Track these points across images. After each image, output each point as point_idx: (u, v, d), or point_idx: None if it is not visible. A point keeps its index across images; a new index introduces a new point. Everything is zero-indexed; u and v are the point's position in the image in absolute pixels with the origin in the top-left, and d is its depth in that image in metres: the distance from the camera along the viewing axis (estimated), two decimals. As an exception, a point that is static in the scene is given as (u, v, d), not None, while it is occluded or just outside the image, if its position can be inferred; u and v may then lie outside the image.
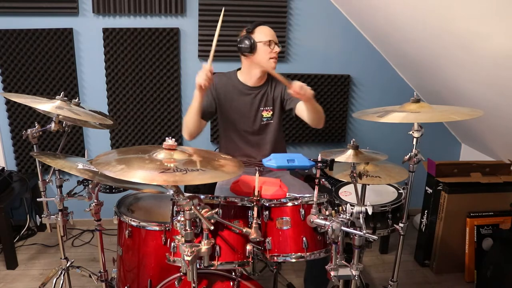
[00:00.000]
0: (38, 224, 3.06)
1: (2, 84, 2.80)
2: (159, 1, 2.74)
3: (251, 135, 2.18)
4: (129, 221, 1.75)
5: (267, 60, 2.04)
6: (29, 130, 1.74)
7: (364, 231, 1.29)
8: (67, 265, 1.97)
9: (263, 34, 2.04)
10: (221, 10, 1.92)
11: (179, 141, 3.02)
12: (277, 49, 2.05)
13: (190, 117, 2.02)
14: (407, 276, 2.58)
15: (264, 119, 2.17)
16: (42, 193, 1.85)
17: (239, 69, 2.19)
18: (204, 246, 1.28)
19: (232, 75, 2.19)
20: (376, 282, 2.49)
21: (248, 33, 2.06)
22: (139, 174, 1.13)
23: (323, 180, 2.35)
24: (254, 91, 2.15)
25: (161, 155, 1.26)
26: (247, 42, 2.04)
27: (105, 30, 2.75)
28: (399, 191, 2.04)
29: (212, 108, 2.15)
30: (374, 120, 1.53)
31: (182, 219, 1.24)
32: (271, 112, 2.17)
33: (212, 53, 1.85)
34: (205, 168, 1.23)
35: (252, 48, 2.04)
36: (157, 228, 1.70)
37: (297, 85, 1.79)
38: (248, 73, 2.14)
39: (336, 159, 1.50)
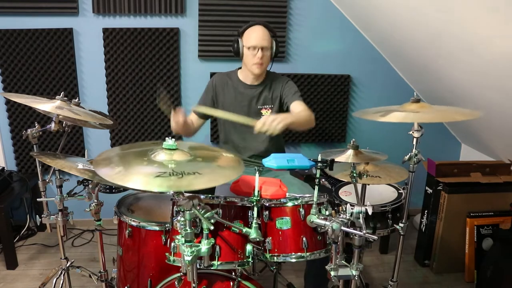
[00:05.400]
0: (38, 224, 3.05)
1: (2, 84, 2.80)
2: (159, 1, 2.73)
3: (249, 133, 2.18)
4: (129, 221, 1.74)
5: (251, 66, 2.05)
6: (29, 130, 1.74)
7: (364, 231, 1.29)
8: (67, 265, 1.97)
9: (249, 38, 2.02)
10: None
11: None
12: (260, 54, 2.00)
13: (176, 131, 2.03)
14: (407, 276, 2.58)
15: None
16: (42, 193, 1.85)
17: (240, 67, 2.21)
18: (204, 246, 1.28)
19: (233, 74, 2.22)
20: (376, 282, 2.49)
21: (238, 36, 2.07)
22: (135, 179, 1.10)
23: (323, 180, 2.36)
24: (253, 89, 2.16)
25: (160, 156, 1.24)
26: (235, 46, 2.07)
27: (105, 30, 2.75)
28: (399, 191, 2.04)
29: (210, 106, 2.16)
30: (374, 120, 1.53)
31: (182, 219, 1.24)
32: (270, 111, 2.17)
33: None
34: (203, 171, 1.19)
35: (237, 53, 2.07)
36: (157, 228, 1.70)
37: (258, 126, 1.66)
38: (245, 71, 2.17)
39: (336, 159, 1.50)
